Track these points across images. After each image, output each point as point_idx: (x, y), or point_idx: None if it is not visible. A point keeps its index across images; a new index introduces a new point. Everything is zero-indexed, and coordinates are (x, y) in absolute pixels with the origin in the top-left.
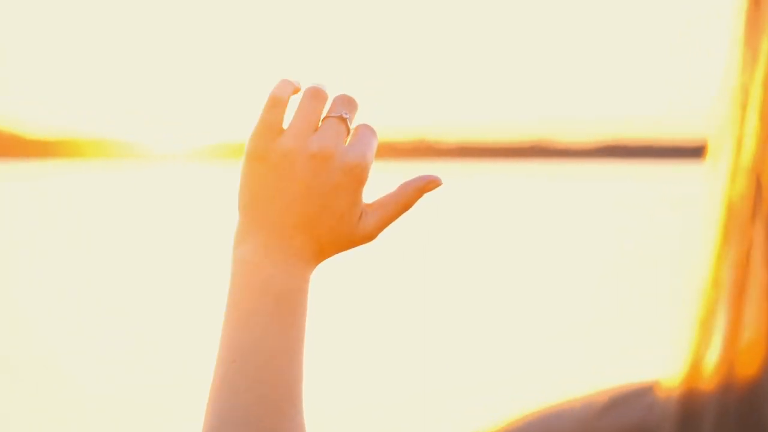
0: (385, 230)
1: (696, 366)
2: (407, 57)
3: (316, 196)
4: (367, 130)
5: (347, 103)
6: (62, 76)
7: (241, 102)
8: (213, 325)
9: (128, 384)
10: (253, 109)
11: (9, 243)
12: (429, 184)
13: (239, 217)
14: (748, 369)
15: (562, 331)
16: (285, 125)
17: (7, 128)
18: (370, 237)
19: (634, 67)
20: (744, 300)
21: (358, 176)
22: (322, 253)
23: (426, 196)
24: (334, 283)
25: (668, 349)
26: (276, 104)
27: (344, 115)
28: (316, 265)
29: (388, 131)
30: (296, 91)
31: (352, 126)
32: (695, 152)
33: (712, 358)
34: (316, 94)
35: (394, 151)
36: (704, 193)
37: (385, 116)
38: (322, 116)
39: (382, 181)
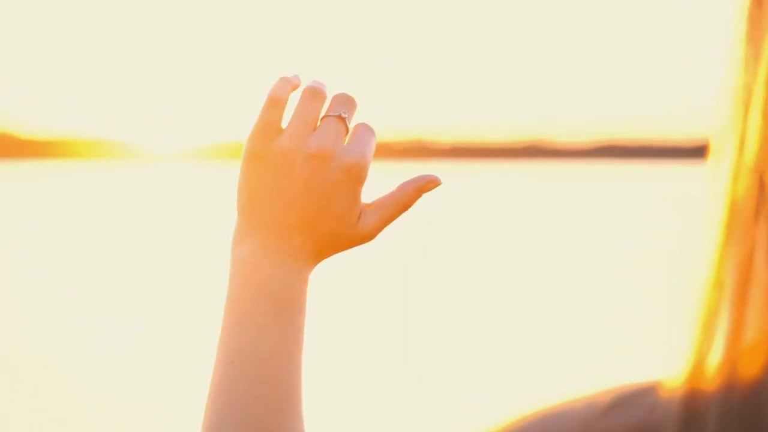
0: (384, 230)
1: (698, 366)
2: (403, 57)
3: (315, 195)
4: (365, 130)
5: (346, 102)
6: (61, 77)
7: (240, 102)
8: (212, 325)
9: (128, 384)
10: (252, 109)
11: (8, 243)
12: (428, 183)
13: (238, 216)
14: (750, 369)
15: (561, 332)
16: (284, 124)
17: (7, 128)
18: (369, 237)
19: (634, 67)
20: (747, 300)
21: (357, 175)
22: (321, 252)
23: (424, 196)
24: (334, 283)
25: (669, 349)
26: (275, 104)
27: (343, 115)
28: (315, 264)
29: (384, 131)
30: (295, 87)
31: (351, 125)
32: (695, 152)
33: (715, 358)
34: (314, 94)
35: (390, 151)
36: (707, 193)
37: (381, 116)
38: (321, 115)
39: (378, 181)
